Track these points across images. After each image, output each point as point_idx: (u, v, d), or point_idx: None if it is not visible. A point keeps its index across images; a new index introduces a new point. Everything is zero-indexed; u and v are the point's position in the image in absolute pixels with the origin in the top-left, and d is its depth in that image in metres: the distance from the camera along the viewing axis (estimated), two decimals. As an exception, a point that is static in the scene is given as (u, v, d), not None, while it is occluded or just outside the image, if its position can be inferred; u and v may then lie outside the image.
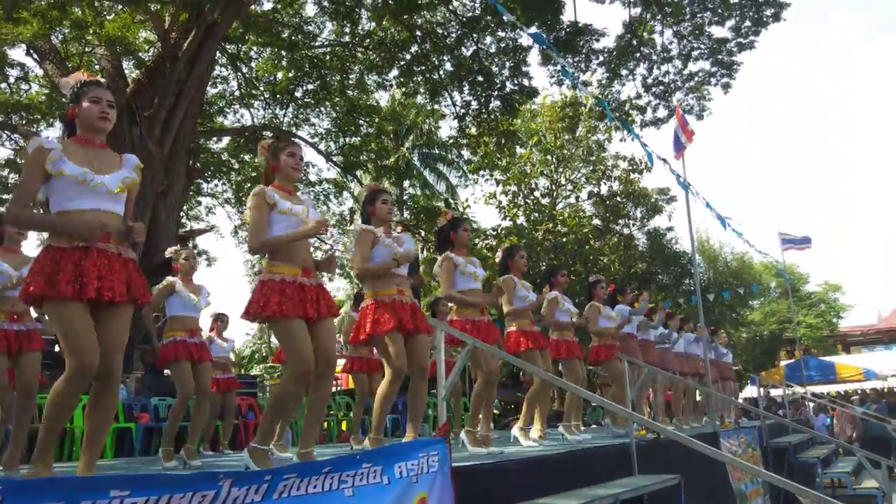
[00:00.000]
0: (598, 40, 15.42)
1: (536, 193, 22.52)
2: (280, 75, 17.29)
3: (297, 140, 17.49)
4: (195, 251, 17.31)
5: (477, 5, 14.93)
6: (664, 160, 8.51)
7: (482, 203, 21.63)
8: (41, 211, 3.12)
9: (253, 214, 3.54)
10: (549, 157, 22.56)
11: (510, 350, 5.56)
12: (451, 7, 15.42)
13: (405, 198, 25.20)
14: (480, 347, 4.24)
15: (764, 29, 15.19)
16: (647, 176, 27.38)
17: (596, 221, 22.24)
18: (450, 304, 5.24)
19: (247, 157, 18.34)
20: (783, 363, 22.30)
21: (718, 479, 6.86)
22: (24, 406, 4.31)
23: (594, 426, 10.78)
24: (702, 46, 16.00)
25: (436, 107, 18.26)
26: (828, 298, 33.89)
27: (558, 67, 14.90)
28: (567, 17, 14.88)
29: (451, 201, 23.01)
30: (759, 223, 62.86)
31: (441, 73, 16.07)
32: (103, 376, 2.94)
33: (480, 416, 5.09)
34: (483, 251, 18.26)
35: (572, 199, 23.38)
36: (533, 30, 13.46)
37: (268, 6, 15.99)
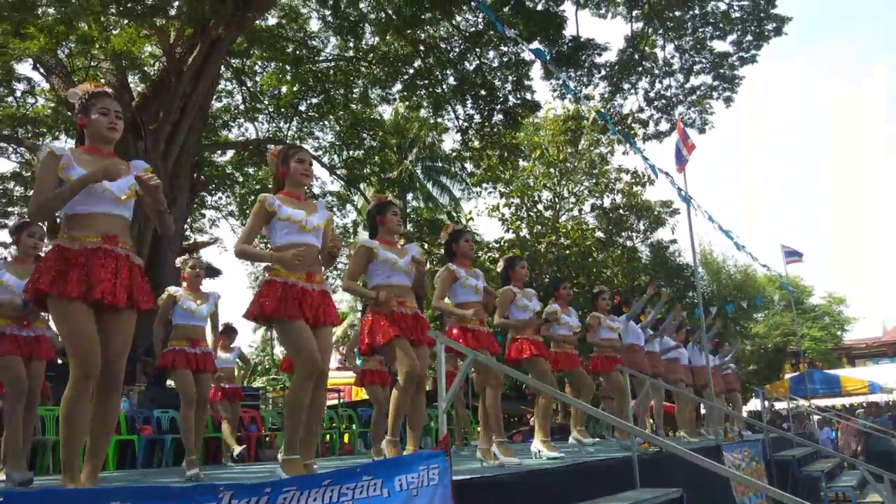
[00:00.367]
0: (600, 54, 15.53)
1: (539, 206, 22.57)
2: (284, 89, 17.40)
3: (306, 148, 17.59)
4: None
5: (480, 20, 15.03)
6: (666, 173, 8.53)
7: (485, 216, 21.68)
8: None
9: (249, 220, 3.64)
10: (551, 169, 22.62)
11: (512, 356, 5.54)
12: (454, 22, 15.53)
13: (409, 211, 25.25)
14: (481, 360, 4.23)
15: (766, 43, 15.27)
16: (649, 188, 27.37)
17: (599, 234, 22.25)
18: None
19: (251, 171, 18.42)
20: (788, 376, 22.22)
21: (722, 493, 6.82)
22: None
23: (597, 438, 10.72)
24: (703, 60, 16.08)
25: (439, 120, 18.36)
26: (832, 311, 33.72)
27: (560, 81, 14.98)
28: (569, 31, 15.00)
29: (455, 214, 23.04)
30: (764, 235, 62.78)
31: (444, 87, 16.16)
32: (107, 382, 2.95)
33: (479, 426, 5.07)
34: (486, 263, 18.28)
35: (575, 212, 23.42)
36: (535, 45, 13.56)
37: (272, 21, 16.14)
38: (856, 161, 73.02)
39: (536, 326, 5.87)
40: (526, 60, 15.08)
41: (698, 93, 16.46)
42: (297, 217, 3.59)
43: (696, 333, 10.01)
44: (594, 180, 22.99)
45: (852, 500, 8.50)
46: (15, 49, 11.31)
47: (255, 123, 18.13)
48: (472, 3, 13.89)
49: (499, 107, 15.63)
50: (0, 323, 4.41)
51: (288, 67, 16.47)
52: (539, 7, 14.52)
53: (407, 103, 17.85)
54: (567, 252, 20.57)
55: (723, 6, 15.18)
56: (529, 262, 19.50)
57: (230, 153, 18.55)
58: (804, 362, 21.17)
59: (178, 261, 5.64)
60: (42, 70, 13.95)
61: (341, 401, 14.47)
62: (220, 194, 19.17)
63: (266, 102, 17.71)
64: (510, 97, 15.57)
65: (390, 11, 15.04)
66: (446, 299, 4.95)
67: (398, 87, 16.80)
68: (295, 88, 17.15)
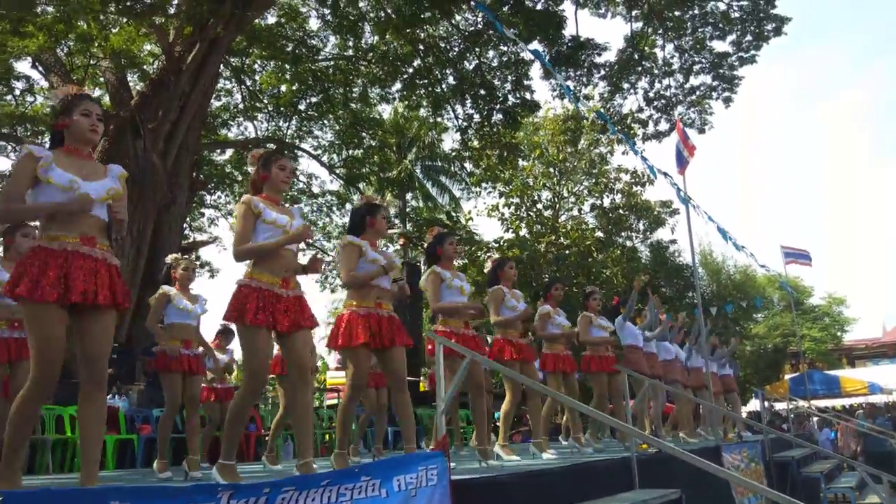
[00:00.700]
0: (599, 54, 15.54)
1: (539, 206, 22.55)
2: (284, 88, 17.41)
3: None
4: (197, 262, 17.37)
5: (479, 20, 15.03)
6: (665, 174, 8.54)
7: (485, 215, 21.68)
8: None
9: (238, 223, 3.67)
10: (551, 169, 22.61)
11: (492, 357, 5.56)
12: (453, 21, 15.52)
13: (408, 210, 25.25)
14: (479, 360, 4.24)
15: (765, 43, 15.26)
16: (649, 188, 27.39)
17: (598, 234, 22.24)
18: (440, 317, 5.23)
19: (250, 169, 18.39)
20: (787, 377, 22.22)
21: (721, 493, 6.80)
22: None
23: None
24: (703, 61, 16.08)
25: (438, 120, 18.37)
26: (832, 312, 33.75)
27: (560, 82, 14.99)
28: (569, 31, 15.00)
29: (454, 214, 23.04)
30: (762, 235, 62.79)
31: (444, 86, 16.16)
32: (94, 381, 2.96)
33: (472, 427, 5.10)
34: (486, 263, 18.25)
35: (575, 212, 23.41)
36: (534, 45, 13.55)
37: (272, 20, 16.14)
38: (855, 161, 73.14)
39: (522, 329, 5.89)
40: (525, 60, 15.10)
41: (698, 93, 16.47)
42: (281, 222, 3.66)
43: (692, 335, 10.01)
44: (594, 180, 22.98)
45: (851, 502, 8.50)
46: (14, 47, 11.30)
47: (255, 122, 18.16)
48: (472, 3, 13.89)
49: (498, 106, 15.64)
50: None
51: (287, 66, 16.48)
52: (538, 6, 14.52)
53: (406, 102, 17.85)
54: (567, 252, 20.56)
55: (722, 6, 15.21)
56: (529, 261, 19.54)
57: (229, 152, 18.57)
58: (804, 363, 21.17)
59: (169, 259, 5.63)
60: (41, 68, 13.94)
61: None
62: (219, 193, 19.20)
63: (265, 101, 17.72)
64: (510, 97, 15.58)
65: (390, 10, 15.04)
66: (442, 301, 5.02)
67: (398, 86, 16.82)
68: (294, 87, 17.16)
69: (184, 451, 5.66)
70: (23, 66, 16.51)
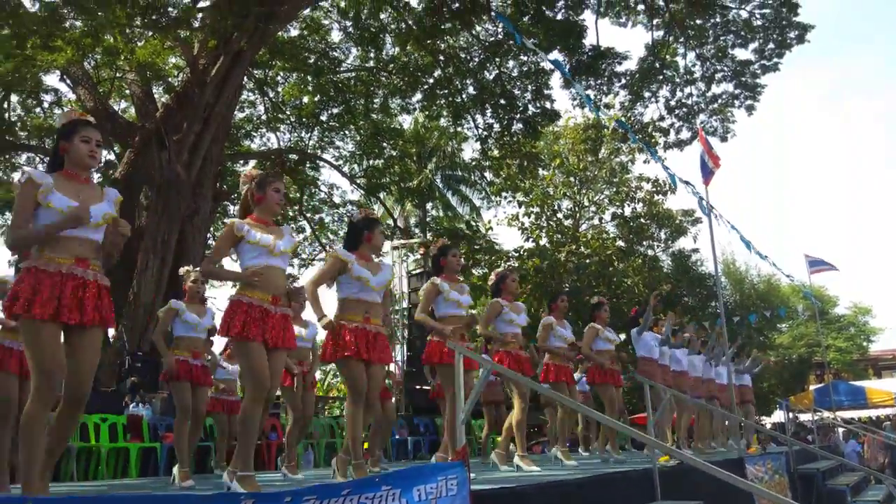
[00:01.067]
0: (620, 63, 15.51)
1: (559, 215, 22.45)
2: (306, 99, 17.59)
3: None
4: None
5: (499, 30, 15.09)
6: (687, 183, 8.49)
7: (505, 225, 21.63)
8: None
9: (217, 241, 3.93)
10: (571, 178, 22.52)
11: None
12: (473, 32, 15.59)
13: (428, 220, 25.31)
14: (505, 374, 4.24)
15: (788, 51, 15.15)
16: (671, 197, 27.18)
17: (619, 243, 22.09)
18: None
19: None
20: (812, 388, 21.90)
21: (744, 506, 6.72)
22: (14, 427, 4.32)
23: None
24: (725, 69, 15.99)
25: (458, 129, 18.41)
26: (857, 321, 33.21)
27: (580, 91, 14.99)
28: (589, 40, 14.99)
29: (474, 223, 23.04)
30: (787, 244, 62.00)
31: (464, 96, 16.23)
32: (76, 399, 3.05)
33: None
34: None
35: (595, 221, 23.28)
36: (554, 55, 13.56)
37: (294, 33, 16.33)
38: (882, 168, 72.02)
39: (522, 341, 5.83)
40: (545, 70, 15.11)
41: (720, 101, 16.37)
42: (265, 241, 3.76)
43: (709, 345, 9.90)
44: (614, 189, 22.85)
45: (879, 515, 8.35)
46: (43, 61, 11.55)
47: (277, 133, 18.36)
48: (492, 14, 13.95)
49: (518, 116, 15.66)
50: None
51: (309, 78, 16.66)
52: (559, 16, 14.55)
53: (427, 113, 17.94)
54: (587, 261, 20.45)
55: (744, 14, 15.12)
56: (549, 271, 19.47)
57: (252, 163, 18.75)
58: (829, 373, 20.87)
59: (181, 271, 5.69)
60: (69, 81, 14.22)
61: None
62: (242, 203, 19.35)
63: (288, 113, 17.91)
64: (530, 106, 15.60)
65: (410, 22, 15.15)
66: (435, 313, 5.01)
67: (418, 96, 16.93)
68: (316, 99, 17.34)
69: (205, 459, 5.71)
70: (51, 80, 16.85)
